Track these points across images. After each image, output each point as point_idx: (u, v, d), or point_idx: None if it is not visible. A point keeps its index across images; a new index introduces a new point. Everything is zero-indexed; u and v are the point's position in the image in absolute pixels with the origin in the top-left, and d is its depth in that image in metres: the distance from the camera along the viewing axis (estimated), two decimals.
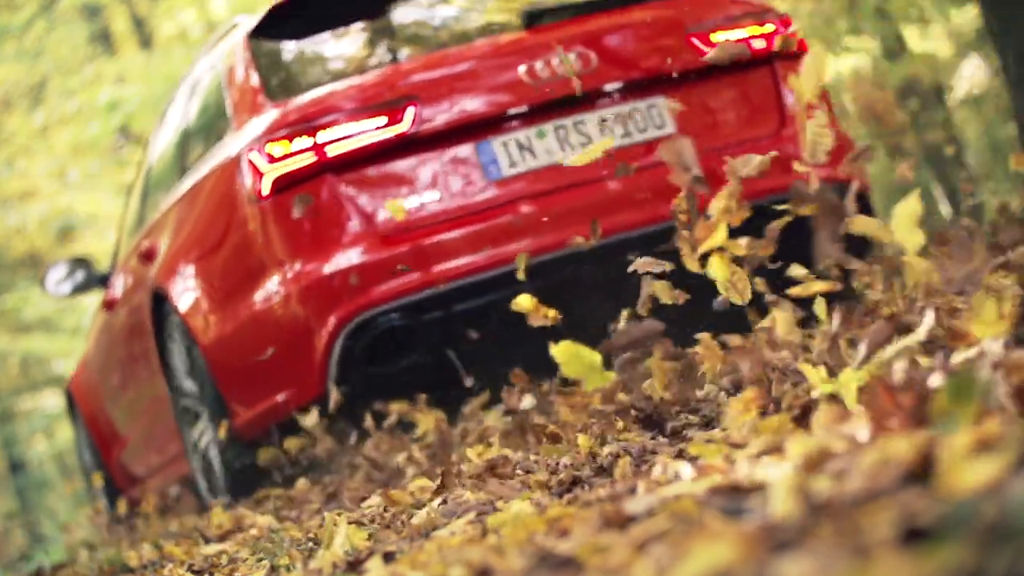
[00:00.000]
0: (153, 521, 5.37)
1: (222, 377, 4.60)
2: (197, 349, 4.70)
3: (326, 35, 4.74)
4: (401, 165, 4.26)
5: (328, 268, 4.20)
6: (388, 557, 2.41)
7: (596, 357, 2.77)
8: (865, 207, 3.74)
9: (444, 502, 2.90)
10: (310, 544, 3.15)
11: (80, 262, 6.58)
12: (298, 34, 4.70)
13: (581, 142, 4.32)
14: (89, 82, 14.71)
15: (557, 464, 2.86)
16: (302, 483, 4.44)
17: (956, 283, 3.25)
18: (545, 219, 4.22)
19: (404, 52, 4.73)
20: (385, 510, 3.18)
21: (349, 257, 4.20)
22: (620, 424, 2.86)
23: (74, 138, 14.57)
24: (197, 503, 5.29)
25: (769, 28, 4.60)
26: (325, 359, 4.19)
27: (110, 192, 16.19)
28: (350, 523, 2.91)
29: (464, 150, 4.29)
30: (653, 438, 2.84)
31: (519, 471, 2.95)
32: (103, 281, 6.43)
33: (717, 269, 2.75)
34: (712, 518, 1.52)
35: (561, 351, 2.73)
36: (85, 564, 5.30)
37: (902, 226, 2.16)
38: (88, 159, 16.11)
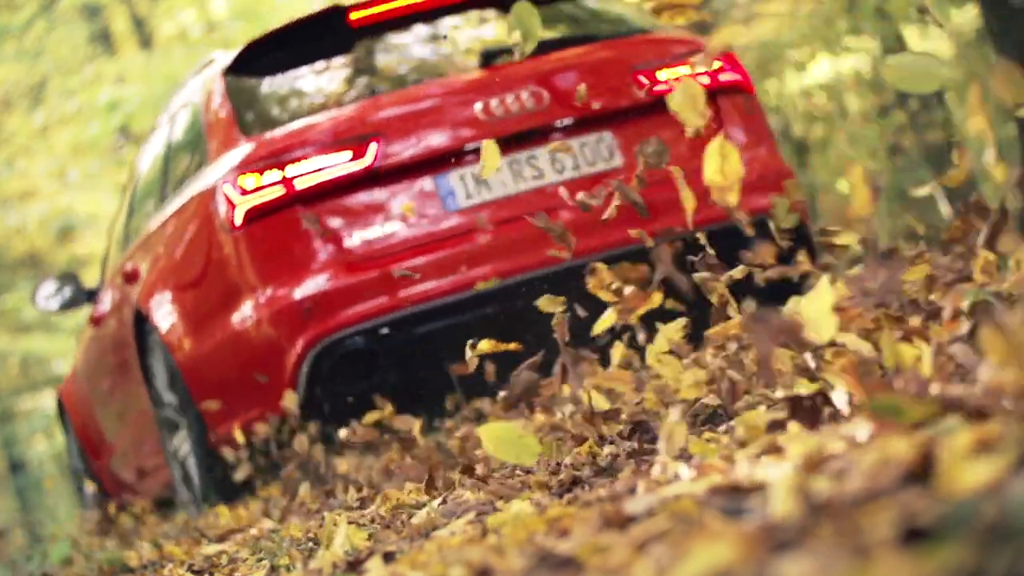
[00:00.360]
0: (141, 525, 5.64)
1: (198, 393, 4.89)
2: (176, 367, 4.99)
3: (297, 71, 5.02)
4: (365, 197, 4.57)
5: (297, 293, 4.51)
6: (388, 557, 2.41)
7: (521, 433, 2.79)
8: (801, 237, 3.85)
9: (444, 502, 2.90)
10: (310, 544, 3.15)
11: (68, 278, 6.76)
12: (271, 70, 5.00)
13: (534, 175, 4.64)
14: (89, 82, 14.71)
15: (558, 465, 2.86)
16: (304, 488, 4.45)
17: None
18: (500, 247, 4.52)
19: (370, 88, 4.98)
20: (385, 510, 3.18)
21: (316, 283, 4.50)
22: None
23: (74, 138, 14.58)
24: (179, 508, 5.54)
25: (713, 65, 4.87)
26: (294, 378, 4.48)
27: (110, 192, 16.19)
28: (350, 523, 2.91)
29: (424, 183, 4.60)
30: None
31: (519, 471, 2.95)
32: (91, 296, 6.67)
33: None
34: (712, 518, 1.52)
35: (487, 433, 2.74)
36: (84, 564, 5.30)
37: (814, 316, 2.14)
38: (88, 159, 16.11)
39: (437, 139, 4.61)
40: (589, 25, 5.21)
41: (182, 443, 5.22)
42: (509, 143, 4.53)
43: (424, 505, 2.99)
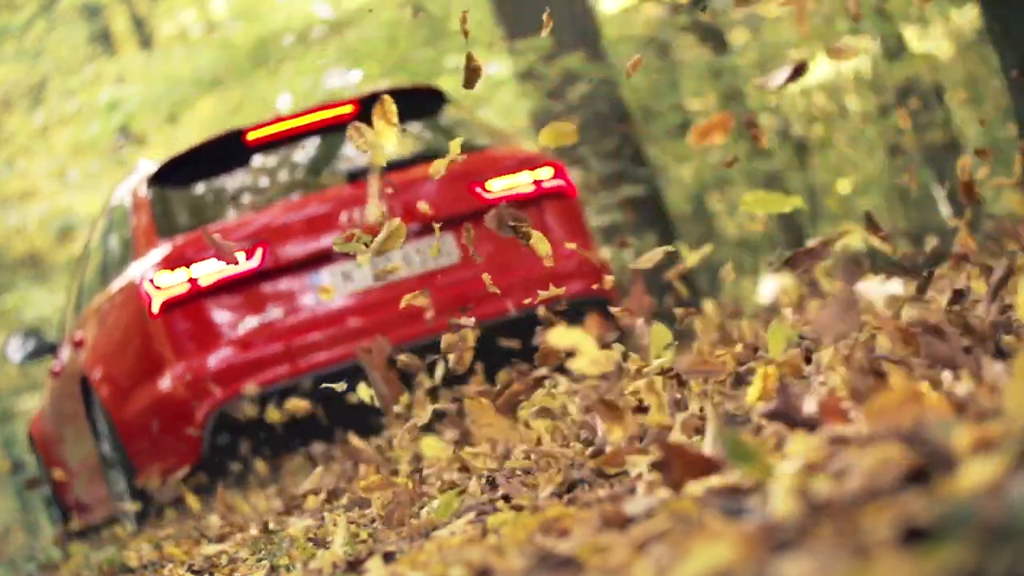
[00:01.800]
0: (98, 542, 6.69)
1: (129, 444, 6.06)
2: (112, 422, 6.13)
3: (205, 183, 6.18)
4: (255, 290, 5.73)
5: (202, 367, 5.68)
6: (388, 557, 2.41)
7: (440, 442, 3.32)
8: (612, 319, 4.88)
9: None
10: (310, 544, 3.15)
11: (33, 333, 7.75)
12: (184, 182, 6.13)
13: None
14: (89, 82, 14.69)
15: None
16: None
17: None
18: (362, 329, 5.64)
19: (263, 197, 6.09)
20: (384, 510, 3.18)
21: (217, 359, 5.69)
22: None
23: (74, 138, 14.55)
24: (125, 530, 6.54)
25: (542, 173, 5.96)
26: (200, 434, 5.68)
27: (110, 192, 16.20)
28: (350, 523, 2.91)
29: (302, 279, 5.75)
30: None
31: (518, 472, 2.95)
32: (52, 349, 7.62)
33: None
34: (712, 518, 1.52)
35: (428, 446, 3.26)
36: (83, 564, 5.30)
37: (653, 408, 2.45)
38: (88, 159, 16.10)
39: (311, 243, 5.73)
40: (442, 141, 6.18)
41: (118, 480, 6.39)
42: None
43: (424, 505, 2.99)
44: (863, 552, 1.12)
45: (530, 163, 6.00)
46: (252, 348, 5.70)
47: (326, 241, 5.66)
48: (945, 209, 11.51)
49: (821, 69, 12.93)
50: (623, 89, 10.67)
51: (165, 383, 5.74)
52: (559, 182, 6.00)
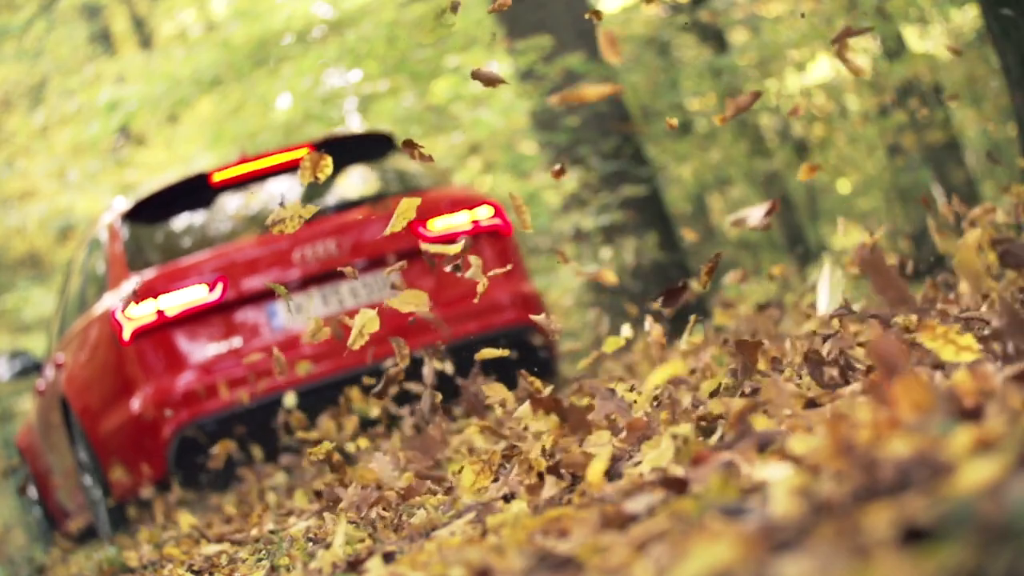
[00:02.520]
0: (77, 547, 7.25)
1: (103, 459, 6.57)
2: (87, 439, 6.67)
3: (174, 220, 6.71)
4: (216, 320, 6.27)
5: (168, 390, 6.21)
6: (388, 557, 2.41)
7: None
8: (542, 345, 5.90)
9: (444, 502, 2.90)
10: (310, 544, 3.15)
11: (20, 354, 8.27)
12: (155, 219, 6.66)
13: (337, 302, 6.32)
14: (89, 82, 14.66)
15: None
16: (300, 493, 4.47)
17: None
18: (313, 356, 6.13)
19: (226, 233, 6.64)
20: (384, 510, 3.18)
21: (182, 383, 6.22)
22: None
23: (74, 138, 14.52)
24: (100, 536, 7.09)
25: (480, 212, 6.50)
26: (166, 451, 6.19)
27: (110, 192, 16.18)
28: (350, 523, 2.91)
29: (257, 310, 6.31)
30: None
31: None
32: (37, 367, 8.13)
33: None
34: (712, 518, 1.52)
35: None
36: (83, 563, 5.30)
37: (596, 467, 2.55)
38: (88, 159, 16.08)
39: (267, 278, 6.25)
40: (388, 183, 6.89)
41: (94, 491, 6.90)
42: (319, 279, 6.30)
43: (423, 505, 2.99)
44: (863, 552, 1.11)
45: (468, 203, 6.54)
46: (214, 373, 6.22)
47: (281, 276, 6.27)
48: (944, 209, 11.49)
49: (821, 69, 12.92)
50: (623, 89, 10.67)
51: (135, 404, 6.28)
52: (496, 221, 6.56)
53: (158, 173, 15.86)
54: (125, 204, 6.75)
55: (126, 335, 6.25)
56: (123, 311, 6.25)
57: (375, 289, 6.29)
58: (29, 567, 8.07)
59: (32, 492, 9.03)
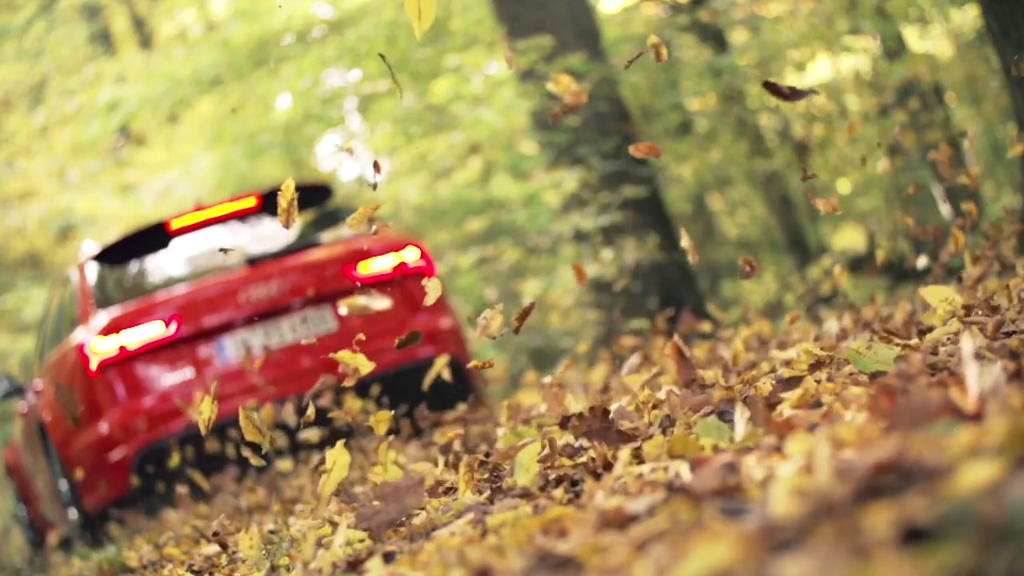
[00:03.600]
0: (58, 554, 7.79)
1: (74, 476, 7.22)
2: (61, 458, 7.44)
3: (136, 263, 7.47)
4: (172, 354, 7.02)
5: (130, 415, 6.95)
6: (388, 557, 2.41)
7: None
8: (459, 373, 6.45)
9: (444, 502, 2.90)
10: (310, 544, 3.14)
11: (5, 377, 8.98)
12: (120, 261, 7.44)
13: (279, 337, 7.09)
14: (89, 82, 14.66)
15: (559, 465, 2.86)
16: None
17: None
18: (259, 385, 6.71)
19: (182, 275, 7.39)
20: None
21: (141, 408, 6.95)
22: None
23: (74, 138, 14.52)
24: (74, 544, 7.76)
25: (406, 255, 7.21)
26: (128, 469, 6.93)
27: (110, 192, 16.17)
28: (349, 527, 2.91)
29: (209, 345, 7.05)
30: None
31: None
32: (20, 390, 8.86)
33: None
34: (712, 518, 1.52)
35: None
36: (83, 564, 5.30)
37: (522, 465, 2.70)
38: (88, 159, 16.08)
39: (217, 316, 7.02)
40: (328, 228, 7.64)
41: (69, 505, 7.56)
42: (264, 316, 7.05)
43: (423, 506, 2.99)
44: (863, 552, 1.11)
45: (396, 247, 7.25)
46: (170, 400, 6.90)
47: (229, 314, 7.02)
48: (944, 209, 11.51)
49: (821, 69, 12.92)
50: (623, 89, 10.67)
51: (101, 428, 7.00)
52: (420, 263, 7.28)
53: (158, 173, 15.86)
54: (94, 248, 7.50)
55: (93, 366, 6.98)
56: (90, 345, 7.01)
57: (312, 325, 7.09)
58: (29, 568, 8.40)
59: (19, 507, 9.86)
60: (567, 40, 10.26)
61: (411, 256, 7.23)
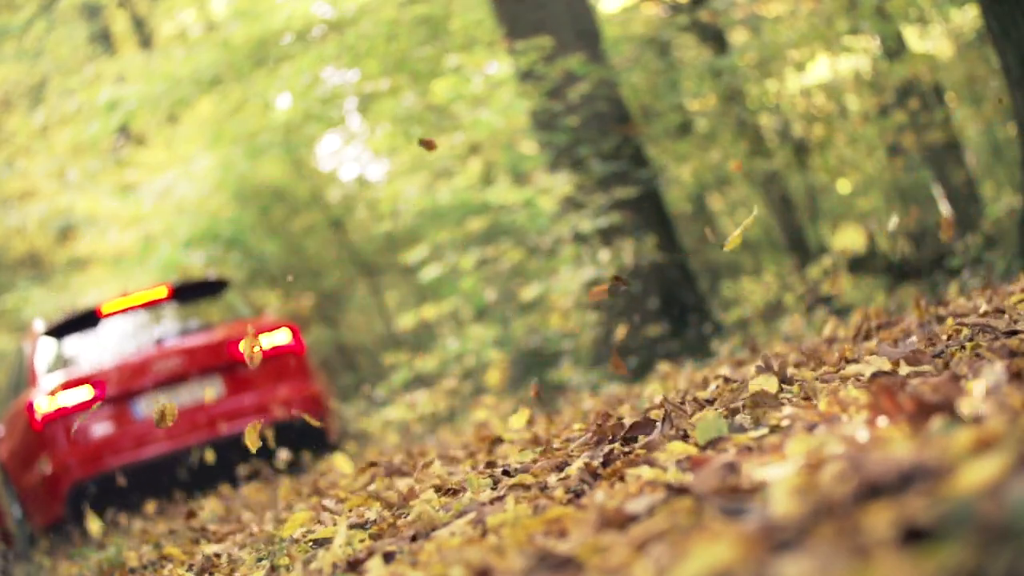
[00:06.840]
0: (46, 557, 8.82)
1: (25, 505, 9.52)
2: (15, 491, 9.64)
3: (74, 339, 9.42)
4: (99, 412, 8.97)
5: (66, 458, 8.94)
6: (388, 557, 2.41)
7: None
8: (316, 429, 8.91)
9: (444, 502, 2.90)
10: (310, 544, 3.15)
11: None
12: (61, 337, 9.40)
13: (180, 397, 9.01)
14: (89, 82, 14.67)
15: (560, 467, 2.86)
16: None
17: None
18: (167, 435, 8.99)
19: (107, 351, 9.33)
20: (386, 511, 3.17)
21: (76, 453, 8.95)
22: None
23: (74, 138, 14.52)
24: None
25: (277, 337, 9.26)
26: (63, 501, 8.92)
27: (110, 192, 16.18)
28: (350, 525, 2.91)
29: (126, 405, 9.04)
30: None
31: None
32: None
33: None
34: (712, 518, 1.52)
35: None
36: (82, 564, 5.30)
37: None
38: (88, 159, 16.08)
39: (131, 383, 9.03)
40: (223, 314, 9.81)
41: (21, 524, 9.72)
42: (169, 383, 9.03)
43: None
44: (863, 552, 1.11)
45: (271, 328, 9.32)
46: (94, 448, 8.91)
47: (142, 382, 9.01)
48: (944, 209, 11.51)
49: (821, 69, 12.92)
50: (623, 89, 10.67)
51: (44, 467, 8.97)
52: (291, 342, 9.35)
53: (158, 173, 15.85)
54: (43, 327, 9.52)
55: (38, 421, 8.97)
56: (36, 404, 8.98)
57: (205, 390, 9.08)
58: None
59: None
60: (567, 40, 10.26)
61: (282, 338, 9.32)
